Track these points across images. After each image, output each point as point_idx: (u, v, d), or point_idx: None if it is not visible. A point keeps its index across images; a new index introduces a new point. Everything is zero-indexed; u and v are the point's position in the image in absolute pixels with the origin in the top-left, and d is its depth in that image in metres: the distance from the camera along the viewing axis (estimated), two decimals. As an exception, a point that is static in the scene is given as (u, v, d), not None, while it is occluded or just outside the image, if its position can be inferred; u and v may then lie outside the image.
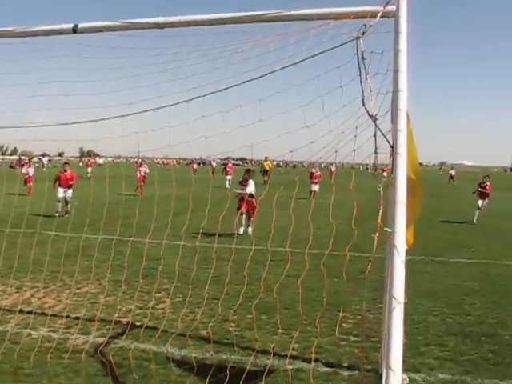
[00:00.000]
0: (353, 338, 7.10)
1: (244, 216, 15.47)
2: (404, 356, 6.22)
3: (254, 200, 15.47)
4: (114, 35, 5.34)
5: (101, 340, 6.75)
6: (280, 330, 7.21)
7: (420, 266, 11.93)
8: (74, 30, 5.30)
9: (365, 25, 4.47)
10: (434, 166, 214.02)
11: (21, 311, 7.98)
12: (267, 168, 42.29)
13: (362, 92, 4.36)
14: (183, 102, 5.26)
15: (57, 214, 18.51)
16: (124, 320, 7.65)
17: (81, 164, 63.53)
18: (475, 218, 21.08)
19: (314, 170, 30.96)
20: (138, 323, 7.44)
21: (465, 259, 13.03)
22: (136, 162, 31.38)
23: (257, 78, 4.99)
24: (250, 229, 15.56)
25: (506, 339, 7.19)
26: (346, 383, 5.73)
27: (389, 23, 4.35)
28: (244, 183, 15.62)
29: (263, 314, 7.95)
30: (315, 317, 7.38)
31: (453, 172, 65.32)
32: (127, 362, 6.11)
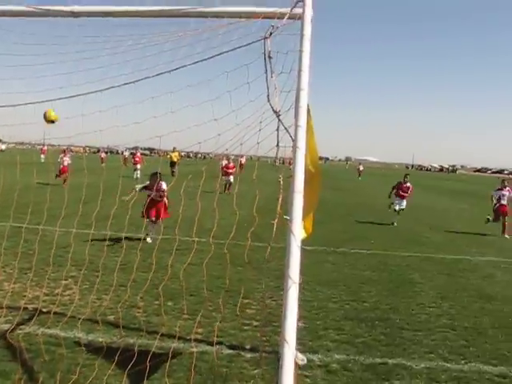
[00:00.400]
0: (255, 323, 7.44)
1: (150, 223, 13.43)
2: (303, 339, 6.73)
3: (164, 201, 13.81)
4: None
5: (7, 326, 6.74)
6: (185, 315, 7.47)
7: (322, 256, 12.52)
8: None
9: (272, 26, 4.74)
10: (340, 160, 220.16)
11: None
12: (175, 159, 41.98)
13: (268, 89, 4.63)
14: (96, 91, 5.34)
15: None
16: (31, 306, 7.62)
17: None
18: (395, 222, 20.04)
19: (226, 162, 30.40)
20: (45, 309, 7.44)
21: (365, 250, 13.72)
22: (64, 151, 30.15)
23: (169, 72, 5.17)
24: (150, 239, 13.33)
25: (397, 323, 7.77)
26: (247, 364, 6.02)
27: (295, 25, 4.64)
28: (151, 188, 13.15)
29: (169, 300, 8.14)
30: (219, 303, 7.66)
31: (361, 167, 67.65)
32: (35, 346, 6.17)
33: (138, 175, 36.63)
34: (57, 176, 27.78)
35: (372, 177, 69.34)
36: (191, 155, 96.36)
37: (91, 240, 10.32)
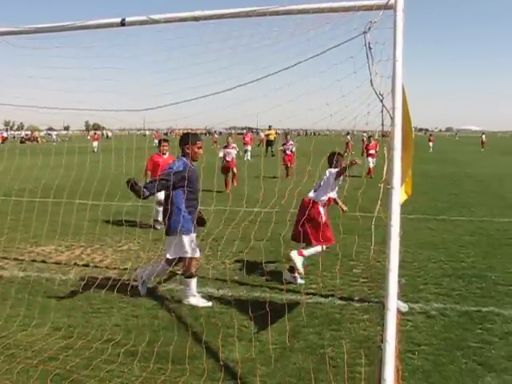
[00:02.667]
0: (362, 280, 8.37)
1: None
2: (405, 292, 7.58)
3: None
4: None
5: (151, 285, 8.06)
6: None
7: (422, 223, 13.26)
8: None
9: (370, 21, 5.59)
10: (440, 131, 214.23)
11: (76, 264, 9.36)
12: (272, 138, 42.45)
13: (370, 75, 5.51)
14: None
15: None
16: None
17: (89, 137, 63.88)
18: None
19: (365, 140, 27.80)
20: (179, 271, 8.70)
21: (464, 217, 14.25)
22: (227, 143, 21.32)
23: (287, 68, 6.10)
24: None
25: (493, 279, 8.43)
26: (357, 311, 7.00)
27: (390, 18, 5.48)
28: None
29: (285, 262, 9.19)
30: (329, 265, 8.66)
31: (483, 137, 65.58)
32: (175, 298, 7.46)
33: (249, 157, 37.11)
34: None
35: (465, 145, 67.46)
36: (300, 133, 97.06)
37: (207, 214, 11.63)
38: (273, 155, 39.59)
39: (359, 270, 8.97)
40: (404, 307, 6.95)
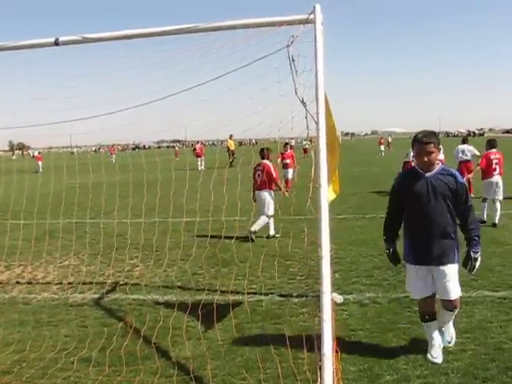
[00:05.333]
0: (299, 278, 8.86)
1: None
2: (340, 286, 8.09)
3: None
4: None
5: (96, 296, 8.31)
6: (239, 277, 8.86)
7: (352, 222, 13.97)
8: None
9: (292, 35, 6.09)
10: (366, 134, 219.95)
11: (18, 283, 9.44)
12: (233, 147, 41.72)
13: (295, 85, 6.00)
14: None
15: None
16: (109, 281, 9.12)
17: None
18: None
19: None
20: (122, 282, 8.93)
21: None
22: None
23: (214, 79, 6.54)
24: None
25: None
26: (296, 306, 7.47)
27: (311, 32, 6.00)
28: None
29: (223, 267, 9.58)
30: (268, 266, 9.15)
31: (389, 139, 69.04)
32: (123, 307, 7.73)
33: (203, 166, 37.58)
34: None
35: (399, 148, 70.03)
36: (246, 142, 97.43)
37: (150, 226, 11.87)
38: (231, 166, 39.03)
39: (296, 268, 9.47)
40: (339, 299, 7.48)
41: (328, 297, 4.27)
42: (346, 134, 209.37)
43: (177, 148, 60.44)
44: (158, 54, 7.03)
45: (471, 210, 5.46)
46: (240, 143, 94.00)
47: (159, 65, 6.98)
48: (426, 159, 5.35)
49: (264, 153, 12.84)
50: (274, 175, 12.76)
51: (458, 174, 5.49)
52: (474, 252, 5.43)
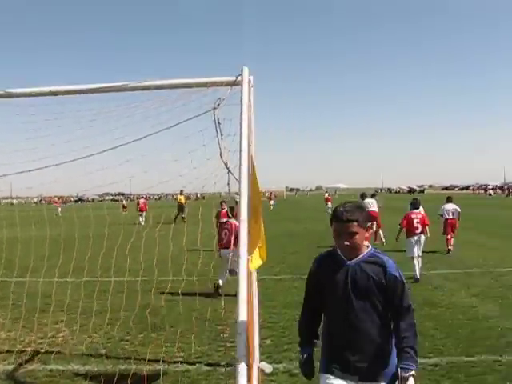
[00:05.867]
0: (229, 344, 8.51)
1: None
2: (271, 353, 7.80)
3: None
4: None
5: (11, 367, 7.75)
6: (167, 344, 8.47)
7: (288, 283, 13.72)
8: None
9: (219, 98, 5.99)
10: (311, 190, 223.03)
11: None
12: (183, 201, 40.91)
13: (220, 148, 5.86)
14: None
15: None
16: (29, 349, 8.56)
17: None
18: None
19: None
20: (42, 350, 8.41)
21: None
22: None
23: (139, 139, 6.36)
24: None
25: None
26: (223, 376, 7.13)
27: (237, 95, 5.91)
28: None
29: (152, 332, 9.16)
30: (199, 331, 8.80)
31: (326, 195, 69.39)
32: (39, 380, 7.21)
33: (143, 222, 37.13)
34: None
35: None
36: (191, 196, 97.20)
37: (77, 286, 11.36)
38: (183, 221, 38.12)
39: (227, 334, 9.13)
40: (268, 368, 7.18)
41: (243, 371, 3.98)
42: (291, 189, 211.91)
43: (124, 202, 59.70)
44: (84, 112, 6.88)
45: (407, 312, 4.00)
46: (188, 197, 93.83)
47: (85, 123, 6.82)
48: (346, 243, 3.96)
49: (234, 211, 12.64)
50: None
51: (390, 263, 4.02)
52: (405, 369, 3.87)
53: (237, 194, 5.39)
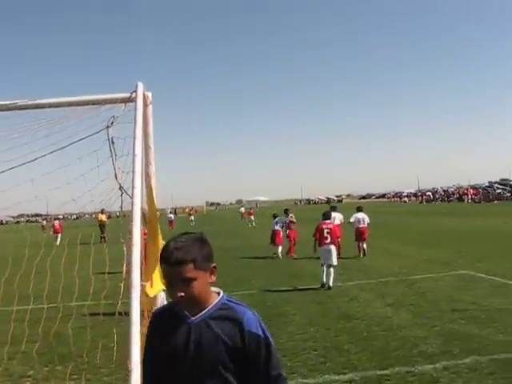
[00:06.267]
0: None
1: None
2: None
3: None
4: None
5: None
6: (74, 376, 7.99)
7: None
8: None
9: (113, 116, 5.68)
10: (231, 204, 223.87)
11: None
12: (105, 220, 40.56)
13: (114, 170, 5.54)
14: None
15: None
16: None
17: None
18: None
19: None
20: None
21: (245, 291, 14.65)
22: None
23: (29, 161, 5.93)
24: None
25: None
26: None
27: (132, 113, 5.62)
28: None
29: (58, 364, 8.62)
30: (105, 359, 8.33)
31: (242, 210, 69.93)
32: None
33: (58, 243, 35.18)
34: None
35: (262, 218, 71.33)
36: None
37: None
38: (101, 241, 37.15)
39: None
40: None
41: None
42: (212, 204, 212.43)
43: (44, 222, 57.95)
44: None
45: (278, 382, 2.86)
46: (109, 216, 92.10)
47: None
48: (179, 294, 2.76)
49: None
50: None
51: (249, 317, 2.85)
52: None
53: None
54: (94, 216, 44.83)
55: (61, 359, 8.80)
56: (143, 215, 5.98)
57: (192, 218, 66.99)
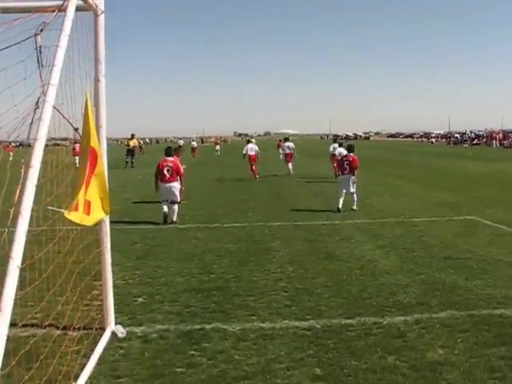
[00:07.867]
0: (97, 303, 7.63)
1: None
2: (136, 313, 7.09)
3: None
4: None
5: None
6: (30, 303, 7.57)
7: (192, 232, 12.98)
8: None
9: (43, 22, 4.99)
10: (259, 135, 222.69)
11: None
12: (132, 147, 39.95)
13: (41, 81, 4.90)
14: None
15: None
16: None
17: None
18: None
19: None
20: None
21: (238, 223, 14.24)
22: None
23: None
24: None
25: (233, 290, 8.24)
26: (70, 342, 6.28)
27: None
28: None
29: (20, 290, 8.23)
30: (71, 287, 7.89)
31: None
32: None
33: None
34: None
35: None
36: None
37: None
38: (132, 166, 37.45)
39: (99, 291, 8.29)
40: (121, 333, 6.47)
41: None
42: (239, 134, 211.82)
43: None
44: None
45: None
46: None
47: None
48: None
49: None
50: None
51: None
52: None
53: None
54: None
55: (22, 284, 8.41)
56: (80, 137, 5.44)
57: (218, 147, 67.05)
